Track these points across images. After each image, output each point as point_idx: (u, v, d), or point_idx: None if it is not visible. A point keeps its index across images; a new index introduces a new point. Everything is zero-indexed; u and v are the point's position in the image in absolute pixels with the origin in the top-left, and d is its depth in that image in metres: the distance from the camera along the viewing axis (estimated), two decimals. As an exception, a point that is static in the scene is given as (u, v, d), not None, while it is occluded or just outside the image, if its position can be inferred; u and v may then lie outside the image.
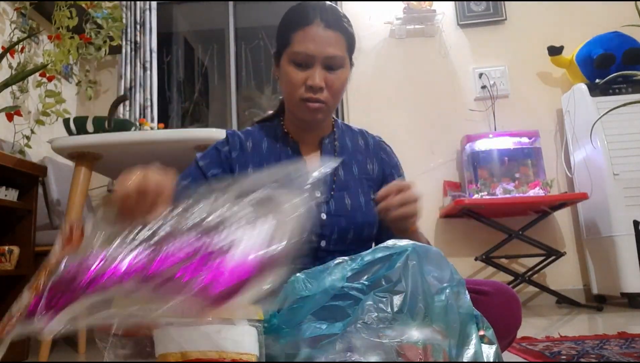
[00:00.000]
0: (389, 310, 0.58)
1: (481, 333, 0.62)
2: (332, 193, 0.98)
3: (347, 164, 1.02)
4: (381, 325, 0.58)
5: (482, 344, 0.61)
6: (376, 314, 0.58)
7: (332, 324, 0.59)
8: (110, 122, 1.99)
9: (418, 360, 0.56)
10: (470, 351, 0.58)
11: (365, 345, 0.57)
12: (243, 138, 1.02)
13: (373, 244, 1.04)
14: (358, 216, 0.97)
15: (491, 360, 0.59)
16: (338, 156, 1.02)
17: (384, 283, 0.60)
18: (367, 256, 0.63)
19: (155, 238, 0.54)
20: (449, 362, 0.57)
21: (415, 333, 0.58)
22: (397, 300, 0.59)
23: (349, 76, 0.98)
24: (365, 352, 0.56)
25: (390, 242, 0.65)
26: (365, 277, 0.61)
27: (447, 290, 0.61)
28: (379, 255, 0.62)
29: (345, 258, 0.64)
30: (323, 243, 0.95)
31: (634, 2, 1.71)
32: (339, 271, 0.61)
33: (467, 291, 0.63)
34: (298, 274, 0.63)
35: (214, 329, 0.57)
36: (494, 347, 0.61)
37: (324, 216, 0.95)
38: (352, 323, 0.58)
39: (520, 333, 1.78)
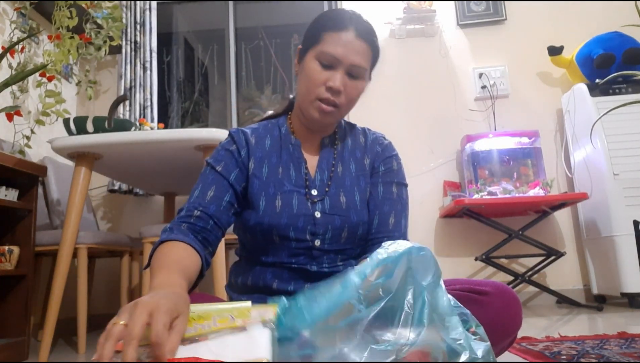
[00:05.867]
0: (388, 321, 0.58)
1: (472, 330, 0.62)
2: (326, 189, 0.98)
3: (345, 161, 1.03)
4: (379, 332, 0.57)
5: (474, 341, 0.61)
6: (376, 323, 0.58)
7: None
8: (110, 122, 2.00)
9: (418, 361, 0.56)
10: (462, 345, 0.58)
11: (365, 346, 0.56)
12: (248, 134, 1.03)
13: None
14: (352, 215, 0.97)
15: (482, 358, 0.59)
16: (337, 155, 1.03)
17: (381, 293, 0.60)
18: (369, 268, 0.62)
19: None
20: (449, 361, 0.57)
21: (414, 336, 0.58)
22: (395, 309, 0.59)
23: (365, 89, 0.99)
24: (364, 353, 0.56)
25: (388, 245, 0.64)
26: (367, 288, 0.60)
27: (435, 289, 0.61)
28: (381, 264, 0.61)
29: (350, 269, 0.63)
30: (317, 242, 0.95)
31: (634, 2, 1.71)
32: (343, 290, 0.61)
33: (443, 286, 0.63)
34: (300, 299, 0.61)
35: (220, 340, 0.56)
36: (485, 344, 0.61)
37: (318, 214, 0.95)
38: (352, 327, 0.58)
39: (520, 333, 1.79)
